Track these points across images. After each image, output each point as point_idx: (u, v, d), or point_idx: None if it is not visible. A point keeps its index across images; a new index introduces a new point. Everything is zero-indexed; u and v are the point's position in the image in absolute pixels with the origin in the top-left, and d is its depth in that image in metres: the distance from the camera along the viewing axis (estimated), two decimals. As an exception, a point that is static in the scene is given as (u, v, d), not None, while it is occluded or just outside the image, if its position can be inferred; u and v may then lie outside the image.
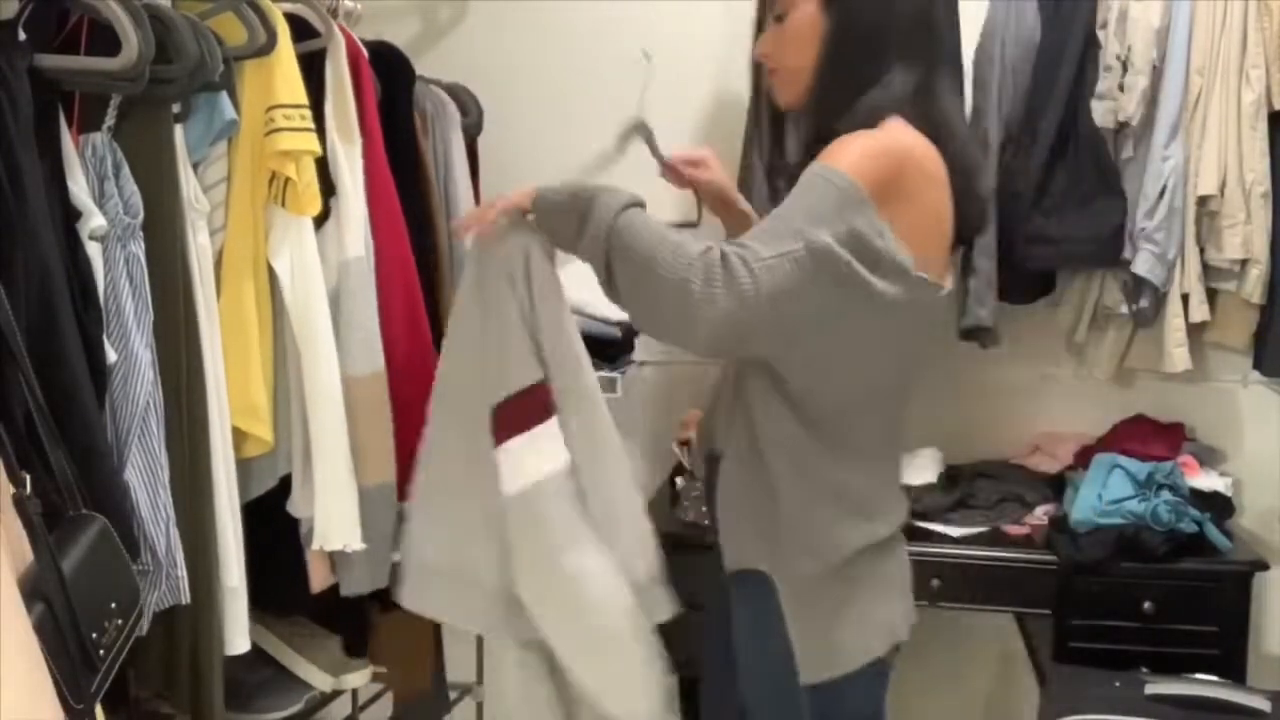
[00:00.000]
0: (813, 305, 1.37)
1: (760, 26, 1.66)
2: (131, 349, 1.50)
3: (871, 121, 1.46)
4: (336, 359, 1.78)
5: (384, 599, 2.07)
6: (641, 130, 1.72)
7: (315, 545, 1.79)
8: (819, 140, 1.47)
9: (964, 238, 1.57)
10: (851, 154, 1.40)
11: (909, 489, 2.53)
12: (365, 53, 1.96)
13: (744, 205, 1.79)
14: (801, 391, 1.48)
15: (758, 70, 1.63)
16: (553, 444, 1.52)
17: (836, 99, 1.50)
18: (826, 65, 1.51)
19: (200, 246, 1.63)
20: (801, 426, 1.49)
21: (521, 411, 1.52)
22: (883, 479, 1.59)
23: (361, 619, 2.14)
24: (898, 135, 1.45)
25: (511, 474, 1.52)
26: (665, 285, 1.35)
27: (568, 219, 1.46)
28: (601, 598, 1.52)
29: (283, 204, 1.70)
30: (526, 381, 1.53)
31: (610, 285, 1.44)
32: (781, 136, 1.67)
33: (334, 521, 1.79)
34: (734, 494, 1.58)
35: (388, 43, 2.11)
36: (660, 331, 1.48)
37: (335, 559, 1.86)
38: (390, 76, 2.06)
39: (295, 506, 1.82)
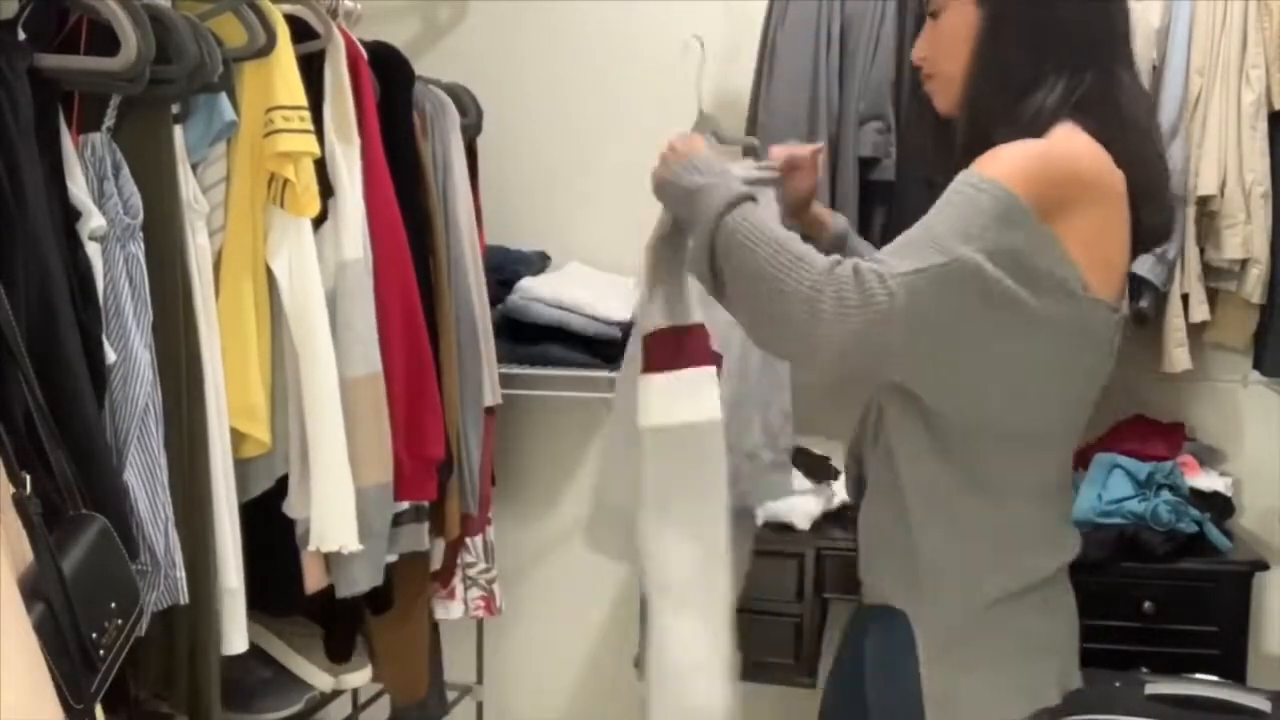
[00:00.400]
0: (956, 326, 1.27)
1: (919, 25, 1.56)
2: (131, 349, 1.50)
3: (1035, 128, 1.34)
4: (334, 360, 1.78)
5: (379, 602, 2.09)
6: (709, 124, 1.65)
7: (312, 546, 1.80)
8: (975, 150, 1.34)
9: (1146, 247, 1.45)
10: (1008, 162, 1.29)
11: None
12: (365, 54, 1.96)
13: (819, 209, 1.67)
14: (946, 420, 1.37)
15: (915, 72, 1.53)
16: (710, 391, 1.45)
17: (993, 104, 1.38)
18: (980, 67, 1.39)
19: (199, 247, 1.63)
20: (943, 462, 1.37)
21: (677, 348, 1.46)
22: (1038, 521, 1.43)
23: (356, 623, 2.14)
24: (1063, 142, 1.33)
25: (654, 407, 1.46)
26: (789, 301, 1.25)
27: (680, 205, 1.41)
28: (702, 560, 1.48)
29: (281, 205, 1.71)
30: (685, 320, 1.47)
31: (718, 292, 1.35)
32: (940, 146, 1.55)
33: (330, 522, 1.79)
34: (875, 527, 1.51)
35: (387, 43, 2.11)
36: (781, 347, 1.40)
37: (330, 560, 1.86)
38: (389, 77, 2.06)
39: (291, 507, 1.82)
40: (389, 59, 2.08)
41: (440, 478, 2.10)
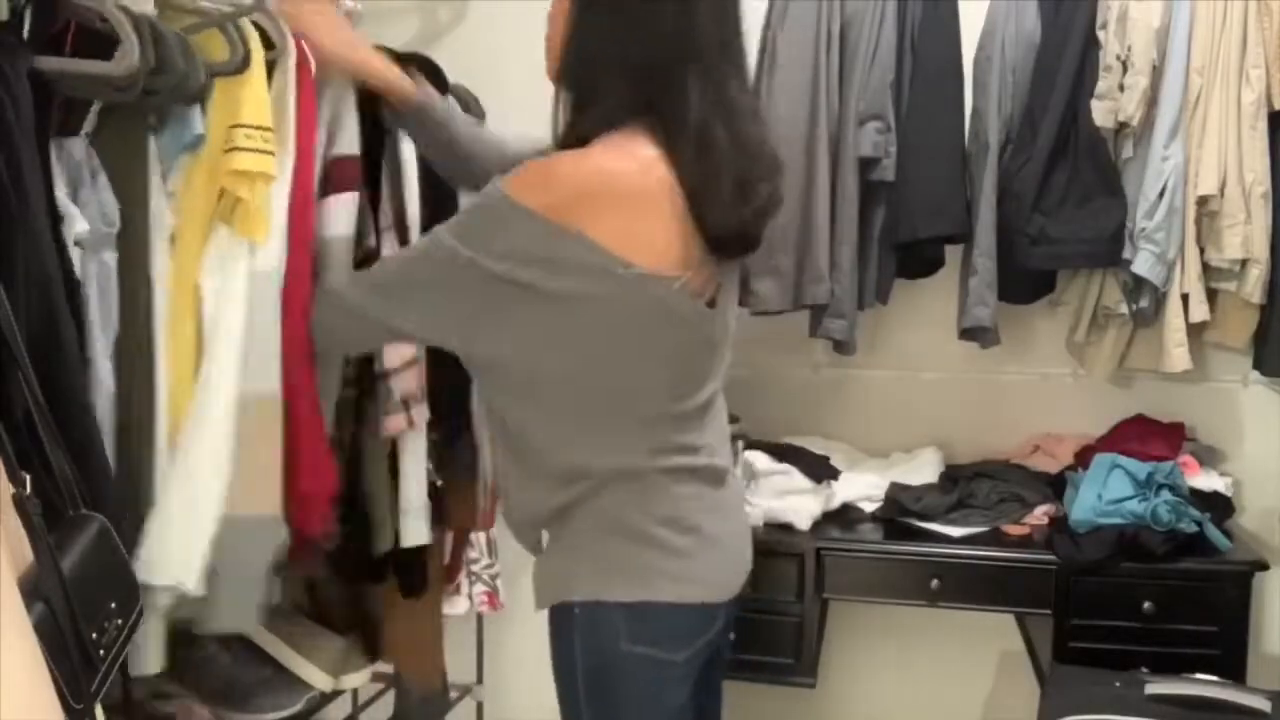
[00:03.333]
0: (455, 299, 1.47)
1: None
2: (94, 359, 1.48)
3: (587, 136, 1.46)
4: (233, 382, 1.63)
5: (412, 585, 2.09)
6: None
7: (141, 576, 1.47)
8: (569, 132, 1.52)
9: (720, 249, 1.49)
10: (524, 178, 1.43)
11: (908, 489, 2.54)
12: (313, 67, 1.91)
13: (392, 81, 1.84)
14: (528, 398, 1.52)
15: None
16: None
17: (573, 95, 1.54)
18: (566, 54, 1.54)
19: (163, 261, 1.58)
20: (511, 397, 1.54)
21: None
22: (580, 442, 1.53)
23: (424, 568, 2.13)
24: (580, 160, 1.44)
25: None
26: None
27: None
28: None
29: (229, 224, 1.65)
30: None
31: None
32: None
33: (173, 551, 1.57)
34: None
35: (425, 56, 2.16)
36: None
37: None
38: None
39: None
40: (427, 69, 2.13)
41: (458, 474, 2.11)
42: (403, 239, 2.03)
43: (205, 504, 1.58)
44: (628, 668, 1.49)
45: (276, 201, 1.72)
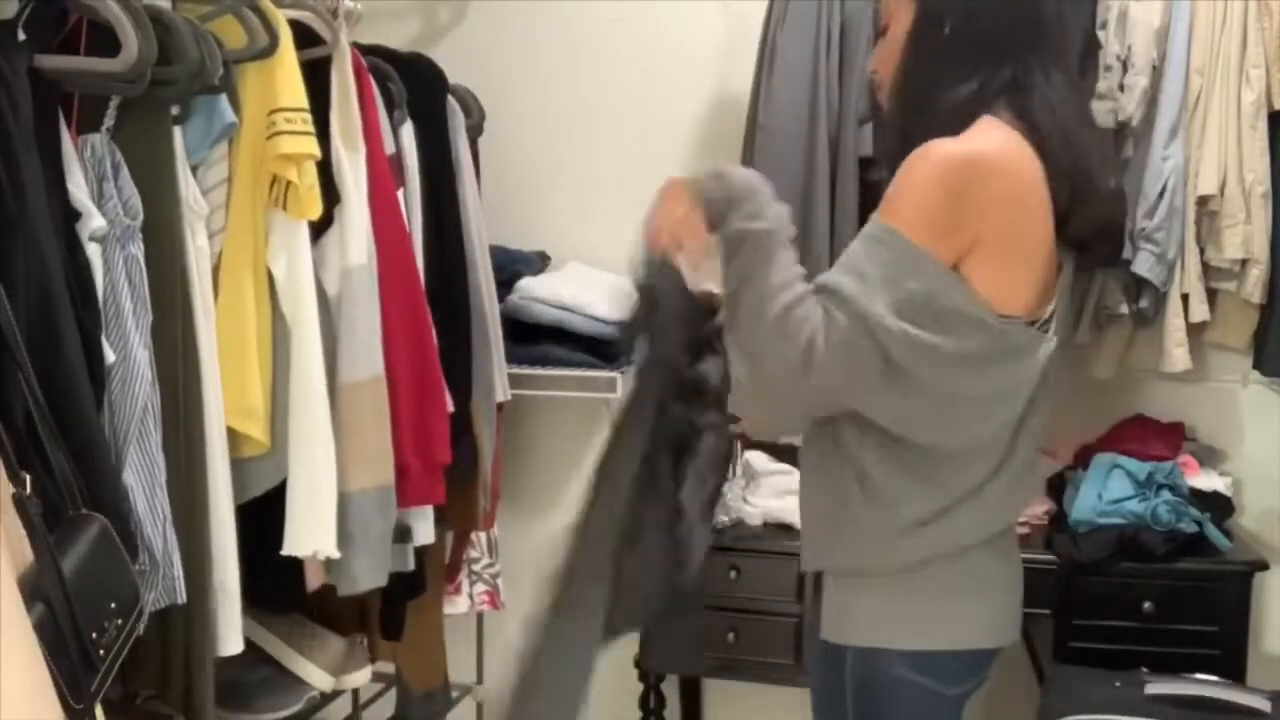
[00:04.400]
0: (874, 369, 1.34)
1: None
2: (130, 350, 1.50)
3: (954, 123, 1.38)
4: (321, 365, 1.78)
5: (413, 588, 2.12)
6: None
7: (285, 549, 1.78)
8: (902, 145, 1.40)
9: (1077, 243, 1.44)
10: (911, 200, 1.35)
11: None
12: (364, 61, 1.96)
13: None
14: (891, 434, 1.42)
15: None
16: None
17: (915, 98, 1.43)
18: (909, 62, 1.44)
19: (199, 249, 1.63)
20: (883, 451, 1.43)
21: None
22: (967, 504, 1.46)
23: (406, 601, 2.17)
24: (977, 139, 1.36)
25: None
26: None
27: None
28: None
29: (284, 208, 1.71)
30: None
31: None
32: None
33: (306, 526, 1.78)
34: (812, 505, 1.56)
35: (423, 55, 2.19)
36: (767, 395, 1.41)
37: (329, 559, 1.86)
38: (426, 86, 2.13)
39: None
40: (425, 68, 2.17)
41: (459, 475, 2.11)
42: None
43: (325, 481, 1.77)
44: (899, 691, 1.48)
45: (357, 198, 1.84)
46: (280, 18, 1.71)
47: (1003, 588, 1.55)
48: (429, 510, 2.07)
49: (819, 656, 1.58)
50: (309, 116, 1.71)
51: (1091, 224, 1.42)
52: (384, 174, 1.95)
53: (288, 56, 1.71)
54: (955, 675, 1.51)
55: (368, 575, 1.90)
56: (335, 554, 1.80)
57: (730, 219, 1.39)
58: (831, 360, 1.32)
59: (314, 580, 1.88)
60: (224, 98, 1.65)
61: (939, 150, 1.35)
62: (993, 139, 1.37)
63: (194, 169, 1.65)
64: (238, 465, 1.71)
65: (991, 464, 1.46)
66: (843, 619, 1.51)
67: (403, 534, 2.04)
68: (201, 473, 1.62)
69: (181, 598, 1.55)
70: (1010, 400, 1.44)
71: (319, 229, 1.82)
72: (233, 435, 1.69)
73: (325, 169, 1.79)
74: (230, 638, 1.68)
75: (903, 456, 1.42)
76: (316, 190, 1.73)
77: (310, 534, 1.78)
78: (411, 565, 2.09)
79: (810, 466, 1.54)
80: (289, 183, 1.70)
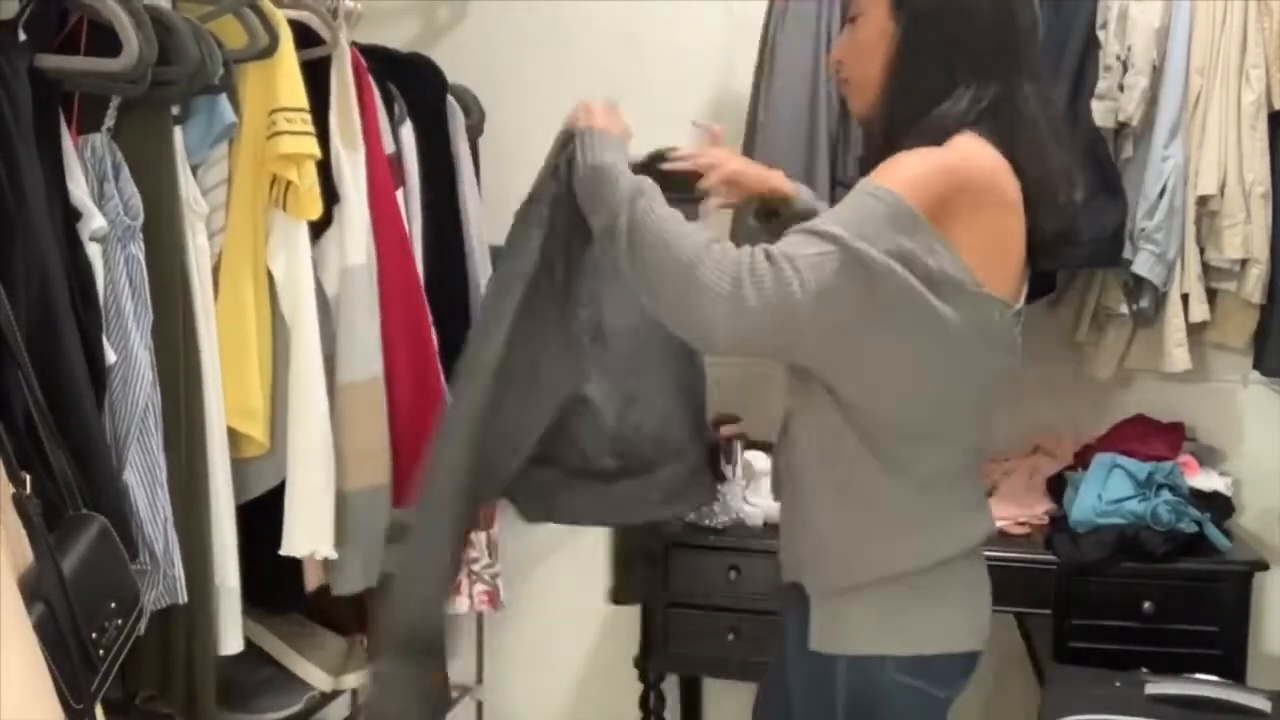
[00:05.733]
0: (856, 314, 1.33)
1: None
2: (131, 350, 1.50)
3: (938, 138, 1.40)
4: (320, 365, 1.78)
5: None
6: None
7: (284, 549, 1.79)
8: (884, 155, 1.41)
9: (1047, 254, 1.49)
10: (905, 172, 1.36)
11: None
12: (364, 61, 1.97)
13: (778, 181, 1.70)
14: (854, 407, 1.42)
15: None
16: None
17: (903, 113, 1.44)
18: (893, 78, 1.45)
19: (199, 249, 1.63)
20: (858, 442, 1.43)
21: None
22: (937, 506, 1.49)
23: (373, 615, 2.17)
24: (962, 152, 1.39)
25: None
26: (706, 291, 1.29)
27: (586, 181, 1.45)
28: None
29: (284, 208, 1.70)
30: None
31: (629, 278, 1.39)
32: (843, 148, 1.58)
33: (303, 526, 1.79)
34: (788, 510, 1.57)
35: (423, 55, 2.19)
36: (697, 332, 1.37)
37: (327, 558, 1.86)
38: (426, 86, 2.13)
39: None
40: (425, 69, 2.18)
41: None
42: None
43: (323, 481, 1.77)
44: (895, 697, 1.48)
45: (357, 198, 1.84)
46: (280, 18, 1.71)
47: (985, 590, 1.60)
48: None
49: (801, 670, 1.54)
50: (309, 116, 1.72)
51: (1040, 235, 1.45)
52: (384, 174, 1.95)
53: (288, 56, 1.71)
54: (947, 678, 1.52)
55: (362, 575, 1.90)
56: (333, 554, 1.80)
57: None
58: (764, 308, 1.29)
59: (313, 580, 1.88)
60: (224, 98, 1.65)
61: (931, 153, 1.38)
62: (976, 152, 1.40)
63: (194, 169, 1.65)
64: (237, 465, 1.71)
65: (970, 469, 1.53)
66: (835, 630, 1.50)
67: (401, 534, 2.04)
68: (202, 472, 1.62)
69: (183, 597, 1.55)
70: (976, 386, 1.46)
71: (318, 229, 1.81)
72: (233, 435, 1.69)
73: (324, 169, 1.79)
74: (231, 637, 1.69)
75: (890, 465, 1.44)
76: (316, 190, 1.74)
77: (308, 535, 1.79)
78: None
79: (795, 480, 1.54)
80: (289, 183, 1.70)
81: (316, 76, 1.83)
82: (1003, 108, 1.42)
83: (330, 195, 1.81)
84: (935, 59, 1.43)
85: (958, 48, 1.42)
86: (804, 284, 1.28)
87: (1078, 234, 2.05)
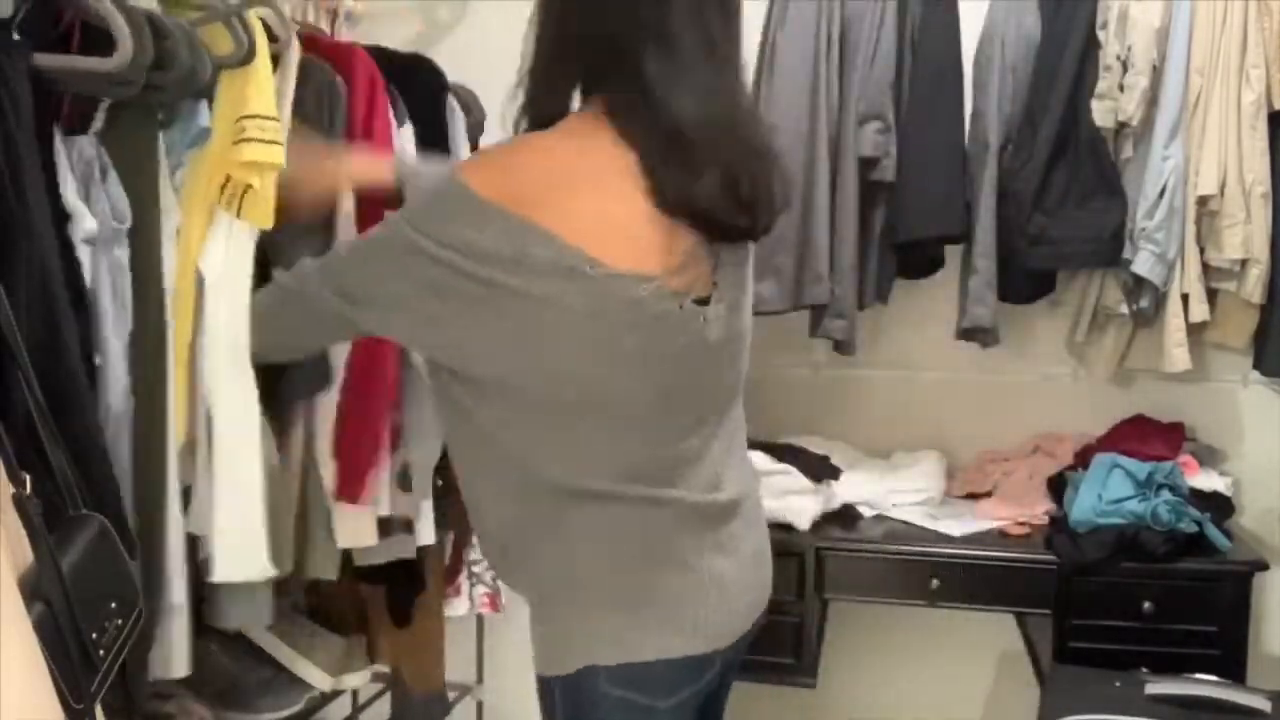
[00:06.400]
0: (410, 293, 1.38)
1: None
2: (108, 356, 1.48)
3: (542, 118, 1.45)
4: (251, 381, 1.65)
5: (413, 585, 2.10)
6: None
7: (216, 576, 1.61)
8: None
9: (682, 209, 1.37)
10: (479, 165, 1.43)
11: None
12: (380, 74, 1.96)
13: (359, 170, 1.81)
14: (481, 392, 1.42)
15: None
16: None
17: (530, 94, 1.48)
18: (532, 58, 1.49)
19: (169, 254, 1.59)
20: (471, 406, 1.43)
21: None
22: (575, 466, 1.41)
23: (417, 587, 2.16)
24: (537, 141, 1.41)
25: None
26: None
27: None
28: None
29: (238, 213, 1.64)
30: None
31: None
32: None
33: (234, 546, 1.63)
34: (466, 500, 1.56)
35: (423, 55, 2.18)
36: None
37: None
38: (426, 86, 2.12)
39: (193, 522, 1.65)
40: (426, 68, 2.17)
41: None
42: None
43: (253, 498, 1.62)
44: (608, 709, 1.41)
45: None
46: (257, 24, 1.68)
47: (707, 590, 1.46)
48: (430, 511, 2.06)
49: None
50: (280, 126, 1.67)
51: (681, 199, 1.36)
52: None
53: (263, 64, 1.67)
54: (668, 686, 1.43)
55: (245, 613, 1.78)
56: (273, 572, 1.67)
57: None
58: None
59: None
60: (204, 103, 1.62)
61: (505, 146, 1.44)
62: (552, 144, 1.40)
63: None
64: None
65: (654, 470, 1.42)
66: (548, 649, 1.47)
67: (405, 525, 2.03)
68: (160, 485, 1.55)
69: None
70: (615, 355, 1.37)
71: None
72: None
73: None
74: (176, 660, 1.58)
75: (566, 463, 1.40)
76: (273, 201, 1.65)
77: (241, 559, 1.64)
78: (413, 553, 2.07)
79: (475, 490, 1.51)
80: (248, 186, 1.65)
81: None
82: (616, 82, 1.40)
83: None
84: (542, 40, 1.49)
85: (562, 24, 1.47)
86: (306, 284, 1.49)
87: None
